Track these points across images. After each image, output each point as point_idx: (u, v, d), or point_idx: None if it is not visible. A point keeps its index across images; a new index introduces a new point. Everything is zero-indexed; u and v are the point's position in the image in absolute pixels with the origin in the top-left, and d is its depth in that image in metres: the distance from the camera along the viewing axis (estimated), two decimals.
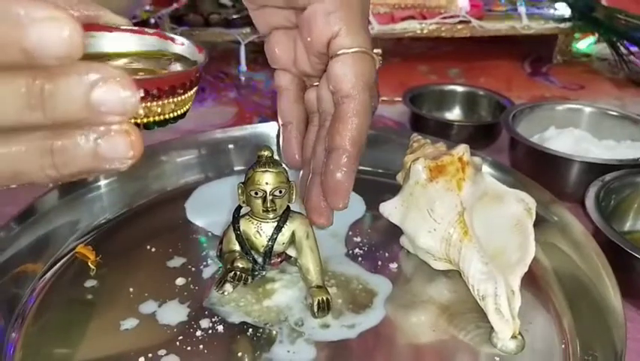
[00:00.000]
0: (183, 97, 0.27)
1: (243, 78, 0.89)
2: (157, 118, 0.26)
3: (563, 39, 1.00)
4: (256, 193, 0.36)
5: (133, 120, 0.24)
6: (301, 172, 0.43)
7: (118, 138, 0.22)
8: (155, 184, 0.54)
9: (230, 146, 0.57)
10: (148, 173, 0.54)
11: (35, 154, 0.22)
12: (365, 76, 0.36)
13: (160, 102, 0.26)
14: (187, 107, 0.28)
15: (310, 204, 0.39)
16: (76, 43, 0.20)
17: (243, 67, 0.89)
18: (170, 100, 0.26)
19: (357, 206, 0.52)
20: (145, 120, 0.25)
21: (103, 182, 0.51)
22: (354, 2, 0.37)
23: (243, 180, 0.37)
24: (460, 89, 0.75)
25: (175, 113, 0.27)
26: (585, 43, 1.08)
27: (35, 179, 0.22)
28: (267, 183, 0.36)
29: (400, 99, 0.75)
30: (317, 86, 0.41)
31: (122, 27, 0.30)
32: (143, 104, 0.25)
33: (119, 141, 0.22)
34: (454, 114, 0.74)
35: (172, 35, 0.32)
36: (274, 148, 0.39)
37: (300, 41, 0.40)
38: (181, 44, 0.31)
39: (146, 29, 0.32)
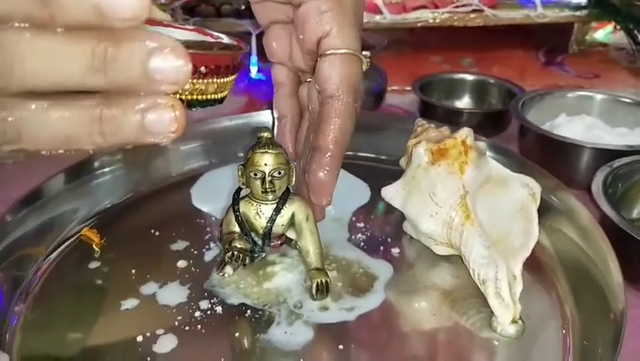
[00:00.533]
0: (226, 79, 0.28)
1: (254, 68, 0.89)
2: (200, 97, 0.27)
3: (580, 28, 0.98)
4: (255, 174, 0.36)
5: (178, 96, 0.25)
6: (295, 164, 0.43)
7: (164, 111, 0.23)
8: (160, 170, 0.54)
9: (236, 133, 0.57)
10: (153, 159, 0.54)
11: (86, 120, 0.23)
12: (351, 78, 0.37)
13: (205, 80, 0.26)
14: (227, 91, 0.29)
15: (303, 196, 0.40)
16: (145, 7, 0.21)
17: (254, 57, 0.89)
18: (215, 80, 0.27)
19: (362, 192, 0.51)
20: (189, 97, 0.26)
21: (108, 168, 0.52)
22: (347, 2, 0.37)
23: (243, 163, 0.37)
24: (470, 77, 0.74)
25: (216, 95, 0.28)
26: (602, 33, 1.06)
27: (83, 145, 0.23)
28: (265, 164, 0.36)
29: (410, 89, 0.74)
30: (308, 82, 0.41)
31: (164, 22, 0.31)
32: (190, 80, 0.25)
33: (165, 115, 0.23)
34: (464, 103, 0.73)
35: (210, 31, 0.32)
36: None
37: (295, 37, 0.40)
38: (218, 39, 0.32)
39: (186, 25, 0.32)
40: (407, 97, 0.77)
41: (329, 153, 0.37)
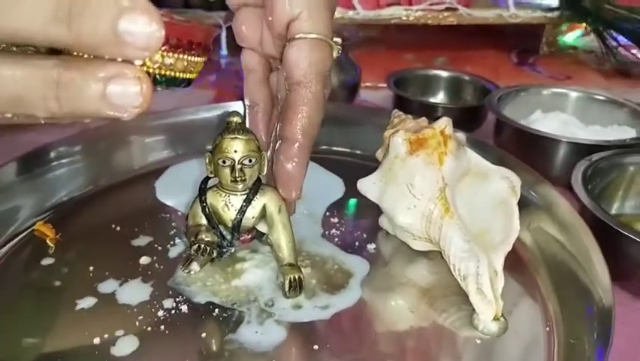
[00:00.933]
0: (196, 59, 0.26)
1: (223, 62, 0.86)
2: (168, 73, 0.25)
3: (550, 30, 0.98)
4: (224, 162, 0.34)
5: (145, 69, 0.23)
6: (269, 153, 0.41)
7: (129, 82, 0.22)
8: (122, 162, 0.51)
9: (203, 124, 0.55)
10: (115, 151, 0.51)
11: (41, 82, 0.21)
12: (319, 65, 0.35)
13: (175, 55, 0.25)
14: (195, 74, 0.27)
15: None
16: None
17: (224, 51, 0.87)
18: (185, 57, 0.25)
19: (335, 187, 0.50)
20: (156, 71, 0.24)
21: (66, 159, 0.48)
22: None
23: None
24: (444, 74, 0.73)
25: (185, 75, 0.26)
26: (572, 36, 1.07)
27: (34, 110, 0.21)
28: (235, 151, 0.33)
29: (383, 85, 0.73)
30: (277, 68, 0.39)
31: None
32: (160, 51, 0.24)
33: (130, 86, 0.22)
34: (439, 99, 0.72)
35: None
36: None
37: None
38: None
39: None
40: (381, 93, 0.76)
41: (297, 144, 0.35)
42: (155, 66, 0.24)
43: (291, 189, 0.36)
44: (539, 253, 0.41)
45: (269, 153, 0.39)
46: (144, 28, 0.21)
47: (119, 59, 0.22)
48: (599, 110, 0.60)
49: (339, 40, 0.37)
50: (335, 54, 0.36)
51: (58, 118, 0.22)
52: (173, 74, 0.25)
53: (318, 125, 0.36)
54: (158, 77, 0.24)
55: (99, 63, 0.21)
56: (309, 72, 0.35)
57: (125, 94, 0.22)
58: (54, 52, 0.22)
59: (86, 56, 0.22)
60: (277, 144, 0.36)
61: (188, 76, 0.26)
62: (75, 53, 0.22)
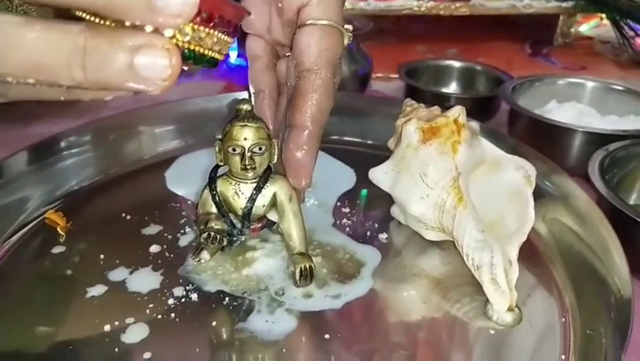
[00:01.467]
0: (225, 38, 0.25)
1: (233, 53, 0.86)
2: (197, 48, 0.24)
3: (565, 20, 0.97)
4: (234, 150, 0.33)
5: (174, 42, 0.22)
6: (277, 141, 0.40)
7: (158, 53, 0.21)
8: (132, 152, 0.51)
9: (213, 114, 0.54)
10: (125, 140, 0.51)
11: (67, 48, 0.20)
12: (330, 51, 0.35)
13: (206, 30, 0.24)
14: (223, 53, 0.26)
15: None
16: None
17: (234, 42, 0.86)
18: (215, 33, 0.25)
19: (347, 177, 0.49)
20: (186, 45, 0.23)
21: (76, 148, 0.48)
22: None
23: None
24: (457, 64, 0.72)
25: (213, 53, 0.25)
26: (587, 26, 1.06)
27: (58, 77, 0.20)
28: (245, 139, 0.33)
29: (395, 76, 0.72)
30: (286, 56, 0.38)
31: None
32: (191, 24, 0.23)
33: (159, 58, 0.21)
34: (451, 90, 0.71)
35: None
36: None
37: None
38: None
39: None
40: (392, 84, 0.75)
41: (306, 131, 0.34)
42: (185, 39, 0.23)
43: (300, 178, 0.35)
44: (555, 244, 0.40)
45: (278, 140, 0.39)
46: None
47: (149, 29, 0.21)
48: (615, 100, 0.59)
49: (350, 27, 0.36)
50: (346, 41, 0.36)
51: (81, 88, 0.21)
52: (202, 50, 0.24)
53: (327, 112, 0.35)
54: (186, 51, 0.24)
55: (128, 32, 0.21)
56: (319, 59, 0.34)
57: (153, 66, 0.21)
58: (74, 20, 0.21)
59: (112, 25, 0.21)
60: (286, 132, 0.35)
61: (216, 55, 0.26)
62: (101, 22, 0.21)
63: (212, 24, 0.24)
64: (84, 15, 0.22)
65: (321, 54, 0.34)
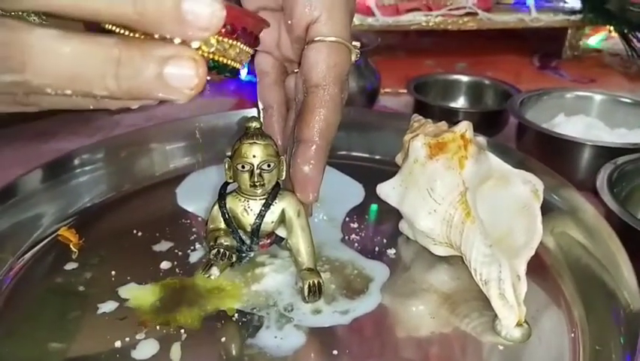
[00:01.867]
0: (247, 49, 0.27)
1: (243, 70, 0.87)
2: (221, 58, 0.25)
3: (573, 33, 0.97)
4: (243, 167, 0.34)
5: (201, 52, 0.24)
6: (285, 157, 0.41)
7: (186, 63, 0.22)
8: (144, 169, 0.52)
9: (224, 131, 0.55)
10: (137, 157, 0.52)
11: (102, 59, 0.21)
12: (337, 67, 0.35)
13: (230, 41, 0.25)
14: (243, 63, 0.27)
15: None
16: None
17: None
18: (238, 44, 0.26)
19: (355, 192, 0.49)
20: (210, 56, 0.24)
21: (89, 166, 0.49)
22: None
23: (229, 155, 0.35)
24: (465, 78, 0.72)
25: (235, 64, 0.26)
26: (595, 39, 1.06)
27: (93, 87, 0.22)
28: (254, 156, 0.33)
29: (404, 91, 0.73)
30: (295, 73, 0.39)
31: None
32: (216, 36, 0.24)
33: (187, 68, 0.22)
34: (459, 104, 0.72)
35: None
36: None
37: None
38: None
39: None
40: (401, 99, 0.76)
41: (314, 146, 0.35)
42: (210, 50, 0.24)
43: (308, 192, 0.36)
44: (563, 258, 0.40)
45: (286, 156, 0.40)
46: (206, 8, 0.21)
47: (177, 41, 0.22)
48: (624, 113, 0.59)
49: (357, 44, 0.37)
50: (353, 58, 0.36)
51: (113, 97, 0.22)
52: (225, 60, 0.25)
53: (335, 127, 0.36)
54: (211, 62, 0.25)
55: (158, 44, 0.22)
56: (327, 75, 0.35)
57: (181, 75, 0.22)
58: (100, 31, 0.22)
59: (142, 37, 0.22)
60: (294, 147, 0.36)
61: (237, 65, 0.26)
62: (131, 34, 0.22)
63: (235, 35, 0.25)
64: (114, 28, 0.23)
65: (329, 70, 0.35)
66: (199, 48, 0.23)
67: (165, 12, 0.21)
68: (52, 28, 0.21)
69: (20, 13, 0.21)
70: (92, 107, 0.23)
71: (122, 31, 0.23)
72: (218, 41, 0.24)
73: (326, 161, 0.36)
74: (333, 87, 0.35)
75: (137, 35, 0.22)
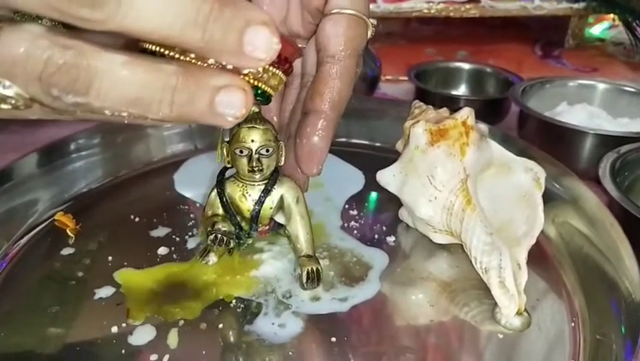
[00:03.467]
0: (283, 76, 0.27)
1: None
2: (261, 85, 0.26)
3: (576, 22, 0.96)
4: (241, 152, 0.33)
5: (247, 79, 0.25)
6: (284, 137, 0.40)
7: (237, 93, 0.22)
8: (141, 154, 0.51)
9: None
10: (134, 143, 0.51)
11: (161, 86, 0.22)
12: (355, 41, 0.35)
13: (272, 69, 0.26)
14: (276, 90, 0.28)
15: (286, 169, 0.37)
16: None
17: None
18: (279, 72, 0.26)
19: (355, 179, 0.49)
20: (254, 82, 0.25)
21: (85, 151, 0.49)
22: None
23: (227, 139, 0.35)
24: (466, 66, 0.71)
25: (271, 90, 0.27)
26: (599, 29, 1.05)
27: (149, 112, 0.22)
28: (252, 141, 0.33)
29: (404, 78, 0.72)
30: (302, 47, 0.38)
31: None
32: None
33: (237, 98, 0.22)
34: (461, 92, 0.71)
35: None
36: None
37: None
38: None
39: None
40: (401, 86, 0.75)
41: (324, 116, 0.34)
42: (256, 77, 0.25)
43: (313, 164, 0.35)
44: (564, 247, 0.40)
45: (284, 137, 0.39)
46: (266, 41, 0.22)
47: (229, 67, 0.23)
48: (627, 102, 0.59)
49: (374, 21, 0.36)
50: (369, 34, 0.36)
51: (164, 121, 0.23)
52: (264, 87, 0.26)
53: (346, 102, 0.35)
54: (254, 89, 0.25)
55: (213, 72, 0.23)
56: (344, 47, 0.34)
57: (230, 104, 0.22)
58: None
59: (192, 60, 0.23)
60: (303, 118, 0.35)
61: (272, 92, 0.27)
62: (182, 57, 0.23)
63: (275, 64, 0.26)
64: (158, 49, 0.23)
65: (347, 42, 0.34)
66: (246, 75, 0.24)
67: (229, 42, 0.22)
68: (120, 54, 0.21)
69: (33, 17, 0.21)
70: (126, 122, 0.23)
71: (166, 52, 0.23)
72: (264, 70, 0.25)
73: (334, 135, 0.35)
74: (349, 60, 0.34)
75: (187, 59, 0.23)
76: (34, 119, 0.23)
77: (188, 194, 0.47)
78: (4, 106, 0.21)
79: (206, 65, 0.23)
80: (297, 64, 0.39)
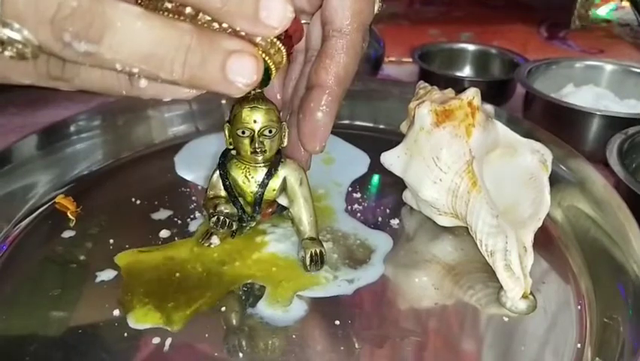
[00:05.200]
0: (285, 55, 0.26)
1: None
2: (268, 61, 0.25)
3: (582, 3, 0.94)
4: (243, 132, 0.32)
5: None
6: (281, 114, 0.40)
7: (248, 60, 0.22)
8: (142, 136, 0.51)
9: (223, 101, 0.54)
10: (135, 125, 0.51)
11: (175, 43, 0.21)
12: (362, 15, 0.34)
13: (278, 44, 0.25)
14: (278, 69, 0.27)
15: (287, 147, 0.36)
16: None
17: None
18: (282, 49, 0.26)
19: (360, 161, 0.48)
20: (263, 56, 0.25)
21: (86, 133, 0.48)
22: None
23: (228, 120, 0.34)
24: (471, 47, 0.70)
25: (274, 68, 0.26)
26: (605, 10, 1.03)
27: (160, 70, 0.22)
28: (255, 122, 0.32)
29: (408, 60, 0.71)
30: (306, 23, 0.37)
31: None
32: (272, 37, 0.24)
33: (249, 62, 0.22)
34: (465, 74, 0.70)
35: None
36: None
37: None
38: None
39: None
40: (405, 68, 0.74)
41: (329, 91, 0.33)
42: (261, 50, 0.24)
43: (316, 141, 0.34)
44: (571, 230, 0.40)
45: (286, 115, 0.38)
46: (281, 7, 0.22)
47: (243, 34, 0.23)
48: (634, 83, 0.58)
49: None
50: (376, 9, 0.35)
51: (174, 83, 0.22)
52: (269, 62, 0.25)
53: (352, 77, 0.34)
54: None
55: (226, 36, 0.22)
56: (352, 20, 0.33)
57: (241, 70, 0.22)
58: None
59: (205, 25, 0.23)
60: (306, 94, 0.34)
61: (274, 69, 0.26)
62: (194, 20, 0.22)
63: (281, 41, 0.25)
64: (171, 5, 0.22)
65: (354, 16, 0.33)
66: (256, 44, 0.24)
67: (245, 5, 0.22)
68: (136, 7, 0.21)
69: None
70: (124, 93, 0.23)
71: (179, 11, 0.22)
72: (271, 43, 0.24)
73: (338, 110, 0.34)
74: (355, 34, 0.34)
75: (201, 22, 0.22)
76: (33, 100, 0.22)
77: (189, 177, 0.46)
78: (7, 53, 0.20)
79: (218, 28, 0.23)
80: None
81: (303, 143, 0.34)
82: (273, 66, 0.25)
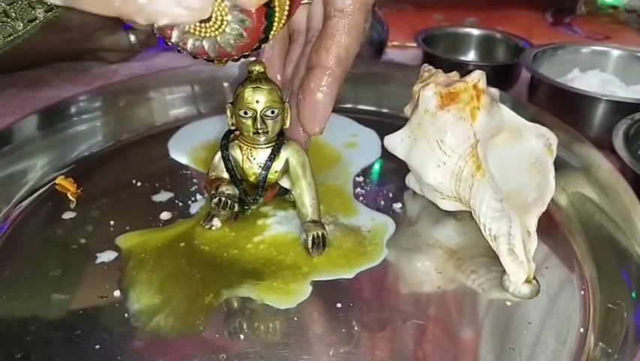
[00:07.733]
0: (286, 12, 0.26)
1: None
2: (278, 13, 0.25)
3: None
4: (245, 113, 0.32)
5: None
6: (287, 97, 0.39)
7: None
8: (143, 118, 0.50)
9: (225, 79, 0.53)
10: (136, 106, 0.50)
11: None
12: None
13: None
14: (279, 25, 0.26)
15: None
16: None
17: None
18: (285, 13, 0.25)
19: (373, 145, 0.48)
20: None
21: (87, 115, 0.48)
22: None
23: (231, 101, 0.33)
24: (475, 32, 0.69)
25: (278, 20, 0.26)
26: None
27: None
28: (257, 102, 0.32)
29: (411, 44, 0.70)
30: (307, 3, 0.37)
31: None
32: None
33: None
34: (470, 58, 0.69)
35: None
36: None
37: None
38: None
39: None
40: (408, 52, 0.73)
41: (329, 72, 0.33)
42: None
43: (316, 122, 0.34)
44: (575, 215, 0.39)
45: (287, 95, 0.38)
46: None
47: None
48: None
49: None
50: None
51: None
52: (275, 18, 0.25)
53: (352, 58, 0.34)
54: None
55: None
56: (353, 1, 0.33)
57: None
58: None
59: None
60: (307, 74, 0.34)
61: (277, 20, 0.25)
62: None
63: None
64: None
65: None
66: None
67: None
68: None
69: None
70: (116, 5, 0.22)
71: None
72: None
73: (338, 91, 0.34)
74: (358, 14, 0.33)
75: None
76: (33, 82, 0.22)
77: (182, 160, 0.46)
78: None
79: None
80: (302, 20, 0.37)
81: (303, 123, 0.34)
82: (277, 18, 0.25)
